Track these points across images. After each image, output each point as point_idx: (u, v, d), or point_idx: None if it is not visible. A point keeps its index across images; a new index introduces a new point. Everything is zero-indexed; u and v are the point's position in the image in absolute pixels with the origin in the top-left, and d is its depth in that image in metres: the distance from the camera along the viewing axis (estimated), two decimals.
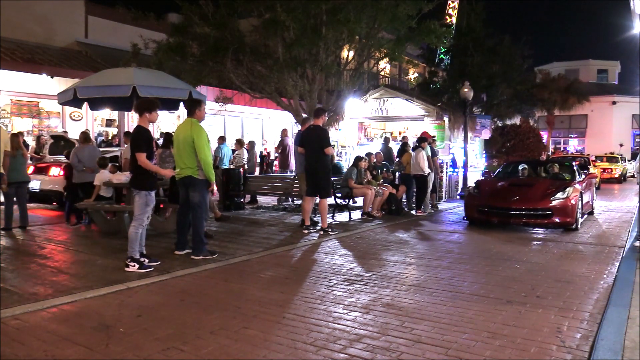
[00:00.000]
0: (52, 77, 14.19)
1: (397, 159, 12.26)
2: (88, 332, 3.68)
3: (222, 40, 11.41)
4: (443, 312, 4.16)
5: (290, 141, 13.32)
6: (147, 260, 5.65)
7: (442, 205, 12.12)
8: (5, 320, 3.89)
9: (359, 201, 10.74)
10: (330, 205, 9.14)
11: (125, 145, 10.01)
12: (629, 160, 28.59)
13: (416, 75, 31.20)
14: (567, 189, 8.58)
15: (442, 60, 27.84)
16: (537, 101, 28.36)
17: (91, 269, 5.62)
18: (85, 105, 10.41)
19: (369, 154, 11.26)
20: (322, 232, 8.01)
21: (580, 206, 8.74)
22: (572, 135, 40.05)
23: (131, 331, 3.70)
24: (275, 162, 16.12)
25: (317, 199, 8.35)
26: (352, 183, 10.02)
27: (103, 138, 15.90)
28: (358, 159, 10.43)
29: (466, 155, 15.39)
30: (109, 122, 16.85)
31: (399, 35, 11.94)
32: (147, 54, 12.14)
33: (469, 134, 17.18)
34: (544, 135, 29.11)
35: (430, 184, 10.83)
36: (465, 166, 14.87)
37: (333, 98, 13.56)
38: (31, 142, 13.25)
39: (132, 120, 11.70)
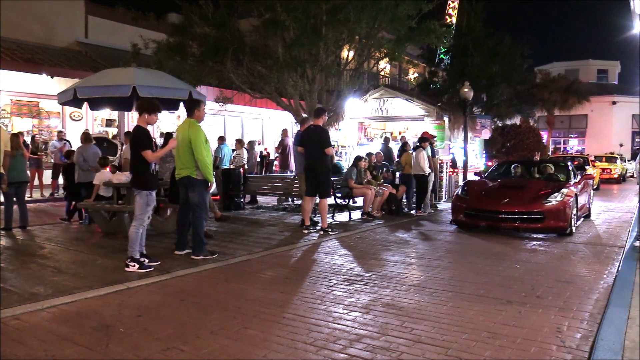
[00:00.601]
0: (52, 77, 14.20)
1: (396, 159, 12.26)
2: (88, 332, 3.68)
3: (222, 40, 11.41)
4: (443, 312, 4.16)
5: (291, 141, 13.33)
6: (147, 260, 5.65)
7: (442, 205, 12.12)
8: (5, 320, 3.89)
9: (359, 201, 10.74)
10: (330, 205, 9.14)
11: (125, 146, 10.04)
12: (628, 160, 28.55)
13: (416, 75, 31.21)
14: (561, 190, 8.09)
15: (442, 60, 27.87)
16: (537, 101, 28.37)
17: (91, 269, 5.62)
18: (85, 105, 10.41)
19: (369, 154, 11.26)
20: (322, 232, 8.01)
21: (575, 209, 8.25)
22: (572, 135, 40.05)
23: (131, 331, 3.70)
24: (276, 162, 16.13)
25: (317, 199, 8.35)
26: (352, 183, 10.02)
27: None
28: (358, 159, 10.43)
29: (466, 155, 15.40)
30: (109, 122, 16.86)
31: (399, 35, 11.95)
32: (147, 54, 12.14)
33: (469, 134, 17.19)
34: (544, 135, 29.11)
35: (431, 184, 10.83)
36: (465, 166, 14.87)
37: (333, 98, 13.56)
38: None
39: (132, 120, 11.69)
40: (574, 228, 8.16)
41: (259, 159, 16.26)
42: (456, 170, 14.55)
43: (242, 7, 11.95)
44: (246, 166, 13.08)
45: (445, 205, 12.27)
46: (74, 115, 15.76)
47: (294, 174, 11.05)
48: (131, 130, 6.57)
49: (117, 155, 11.64)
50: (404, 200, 11.12)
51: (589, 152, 29.87)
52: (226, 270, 5.70)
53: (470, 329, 3.75)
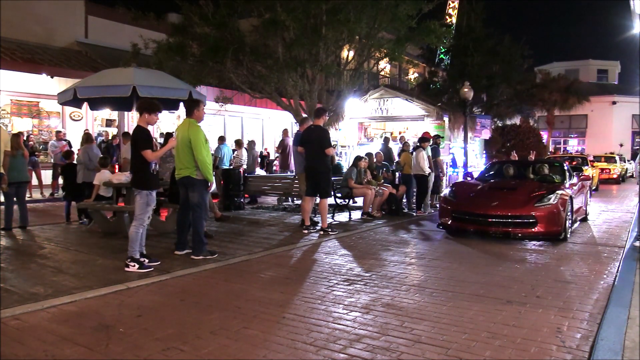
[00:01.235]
0: (52, 77, 14.21)
1: (396, 160, 12.27)
2: (88, 332, 3.68)
3: (222, 40, 11.41)
4: (443, 312, 4.16)
5: (291, 141, 13.33)
6: (147, 260, 5.65)
7: None
8: (5, 320, 3.89)
9: (359, 201, 10.74)
10: (330, 205, 9.14)
11: (124, 146, 10.05)
12: (628, 160, 28.51)
13: (416, 75, 31.21)
14: (555, 193, 7.56)
15: (442, 60, 27.87)
16: (537, 101, 28.36)
17: (91, 269, 5.62)
18: (85, 105, 10.41)
19: (369, 154, 11.26)
20: (322, 232, 8.01)
21: (570, 213, 7.75)
22: (572, 135, 40.03)
23: (131, 331, 3.70)
24: (275, 162, 16.13)
25: (317, 199, 8.35)
26: (352, 183, 10.02)
27: (103, 138, 15.91)
28: (358, 158, 10.43)
29: (466, 155, 15.40)
30: (109, 122, 16.87)
31: (399, 35, 11.95)
32: (147, 54, 12.14)
33: (469, 134, 17.19)
34: (544, 135, 29.11)
35: (431, 184, 10.83)
36: (465, 166, 14.88)
37: (333, 98, 13.57)
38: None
39: (132, 120, 11.70)
40: (568, 233, 7.65)
41: (259, 159, 16.24)
42: (456, 170, 14.57)
43: (242, 7, 11.95)
44: (244, 166, 13.07)
45: None
46: (74, 115, 15.77)
47: (294, 174, 11.04)
48: (128, 131, 6.57)
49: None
50: (404, 201, 11.12)
51: (589, 152, 29.83)
52: (226, 270, 5.70)
53: (470, 329, 3.75)
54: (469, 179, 10.04)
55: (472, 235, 7.71)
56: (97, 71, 11.51)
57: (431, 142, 11.42)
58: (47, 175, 13.29)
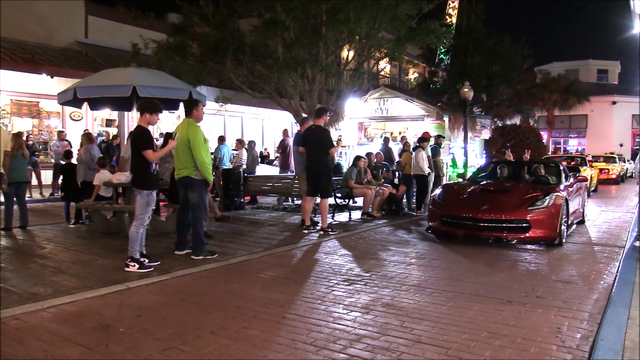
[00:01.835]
0: (52, 77, 14.21)
1: (396, 160, 12.27)
2: (88, 332, 3.68)
3: (222, 40, 11.42)
4: (443, 312, 4.16)
5: (291, 141, 13.33)
6: (147, 260, 5.64)
7: None
8: (5, 320, 3.89)
9: (359, 201, 10.74)
10: (330, 205, 9.14)
11: (125, 145, 10.04)
12: (628, 160, 28.46)
13: (416, 75, 31.22)
14: (549, 195, 7.16)
15: (442, 60, 27.87)
16: (537, 101, 28.38)
17: (91, 269, 5.62)
18: (85, 105, 10.42)
19: (368, 154, 11.26)
20: (322, 232, 8.01)
21: (565, 216, 7.33)
22: (572, 135, 40.04)
23: (131, 331, 3.70)
24: (276, 162, 16.12)
25: (318, 199, 8.35)
26: (352, 183, 10.02)
27: (103, 138, 15.90)
28: (357, 158, 10.43)
29: (466, 155, 15.41)
30: (109, 122, 16.86)
31: (399, 35, 11.96)
32: (147, 54, 12.15)
33: (469, 134, 17.20)
34: (544, 135, 29.11)
35: (431, 184, 10.83)
36: (465, 166, 14.88)
37: (333, 98, 13.58)
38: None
39: (132, 120, 11.71)
40: (564, 238, 7.26)
41: (259, 159, 16.24)
42: (457, 170, 14.57)
43: (242, 7, 11.97)
44: (244, 166, 13.07)
45: None
46: (74, 115, 15.77)
47: (294, 173, 11.05)
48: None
49: None
50: (404, 201, 11.12)
51: (589, 152, 29.82)
52: (226, 270, 5.70)
53: (470, 329, 3.75)
54: (460, 180, 9.68)
55: (462, 240, 7.33)
56: (97, 71, 11.51)
57: (433, 141, 11.42)
58: (47, 175, 13.29)
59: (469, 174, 10.90)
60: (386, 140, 14.67)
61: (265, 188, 11.77)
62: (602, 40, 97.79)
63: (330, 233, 7.97)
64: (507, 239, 6.98)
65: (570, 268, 5.86)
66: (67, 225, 8.77)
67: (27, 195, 10.18)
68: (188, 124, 6.19)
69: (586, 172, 14.61)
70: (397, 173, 11.75)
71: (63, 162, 9.83)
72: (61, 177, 9.64)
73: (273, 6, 10.88)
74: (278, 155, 14.90)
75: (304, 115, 10.95)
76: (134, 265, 5.49)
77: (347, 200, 10.27)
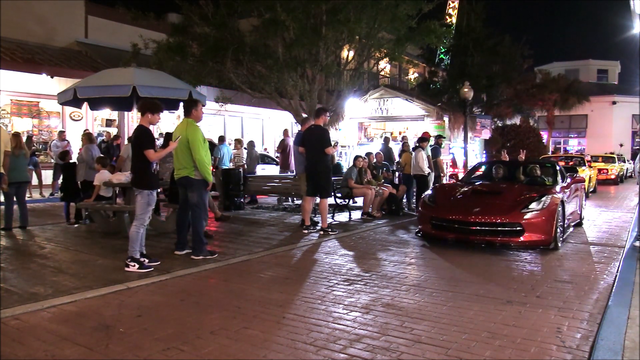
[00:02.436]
0: (52, 77, 14.21)
1: (397, 160, 12.28)
2: (88, 332, 3.68)
3: (222, 40, 11.42)
4: (443, 312, 4.16)
5: (291, 141, 13.33)
6: (147, 260, 5.65)
7: None
8: (5, 320, 3.89)
9: (359, 201, 10.74)
10: (330, 205, 9.14)
11: (124, 145, 10.04)
12: (628, 160, 28.43)
13: (416, 75, 31.22)
14: (544, 197, 6.82)
15: (442, 60, 27.90)
16: (537, 101, 28.38)
17: (91, 269, 5.62)
18: (85, 105, 10.42)
19: (368, 154, 11.26)
20: (322, 232, 8.01)
21: (561, 219, 7.03)
22: (572, 135, 40.05)
23: (131, 331, 3.70)
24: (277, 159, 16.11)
25: (317, 199, 8.35)
26: (352, 183, 10.02)
27: (104, 138, 15.89)
28: (356, 158, 10.43)
29: (466, 155, 15.41)
30: (109, 122, 16.86)
31: (399, 35, 11.96)
32: (147, 54, 12.15)
33: (469, 134, 17.20)
34: (544, 135, 29.11)
35: (431, 184, 10.82)
36: (465, 166, 14.89)
37: (333, 98, 13.59)
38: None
39: (132, 120, 11.73)
40: (559, 242, 6.94)
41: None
42: (456, 169, 14.58)
43: (242, 7, 11.97)
44: (245, 166, 13.08)
45: None
46: (74, 115, 15.76)
47: (294, 174, 11.05)
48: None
49: None
50: (404, 201, 11.12)
51: (589, 152, 29.82)
52: (226, 270, 5.70)
53: (470, 329, 3.75)
54: (452, 180, 9.45)
55: (453, 245, 6.99)
56: (97, 71, 11.52)
57: (433, 141, 11.41)
58: (47, 175, 13.29)
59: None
60: (386, 140, 14.67)
61: (265, 188, 11.77)
62: (602, 40, 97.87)
63: (330, 233, 7.97)
64: (500, 243, 6.68)
65: (570, 268, 5.86)
66: (67, 225, 8.77)
67: (27, 195, 10.18)
68: (187, 124, 6.19)
69: (585, 172, 14.44)
70: (397, 173, 11.74)
71: (61, 163, 9.84)
72: (61, 177, 9.64)
73: (273, 6, 10.88)
74: (278, 155, 14.91)
75: (305, 115, 10.95)
76: (134, 265, 5.49)
77: (347, 200, 10.27)
